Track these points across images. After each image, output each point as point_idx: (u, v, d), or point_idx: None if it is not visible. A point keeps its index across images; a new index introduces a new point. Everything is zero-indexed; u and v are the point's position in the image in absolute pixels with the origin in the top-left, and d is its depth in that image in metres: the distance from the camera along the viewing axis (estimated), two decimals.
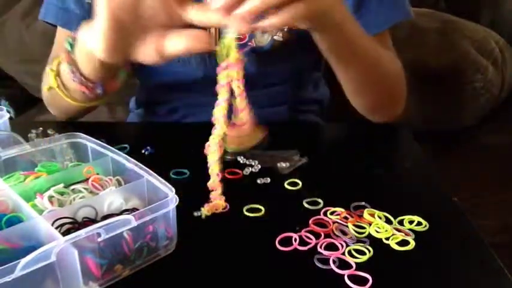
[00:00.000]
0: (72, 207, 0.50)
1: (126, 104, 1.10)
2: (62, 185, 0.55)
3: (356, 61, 0.73)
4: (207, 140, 0.57)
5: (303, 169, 0.68)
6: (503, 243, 1.00)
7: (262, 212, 0.58)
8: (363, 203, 0.59)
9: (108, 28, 0.54)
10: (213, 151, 0.56)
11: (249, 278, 0.49)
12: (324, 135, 0.90)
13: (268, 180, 0.65)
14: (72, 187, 0.55)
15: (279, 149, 0.72)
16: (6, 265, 0.39)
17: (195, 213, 0.57)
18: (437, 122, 1.51)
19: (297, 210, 0.59)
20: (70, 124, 0.85)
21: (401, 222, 0.56)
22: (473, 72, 1.45)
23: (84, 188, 0.55)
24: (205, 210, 0.57)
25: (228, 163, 0.67)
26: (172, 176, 0.66)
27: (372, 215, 0.56)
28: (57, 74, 0.73)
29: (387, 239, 0.53)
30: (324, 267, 0.49)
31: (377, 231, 0.54)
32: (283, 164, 0.68)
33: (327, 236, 0.54)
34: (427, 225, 0.55)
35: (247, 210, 0.58)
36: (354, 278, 0.47)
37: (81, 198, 0.54)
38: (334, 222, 0.56)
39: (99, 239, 0.44)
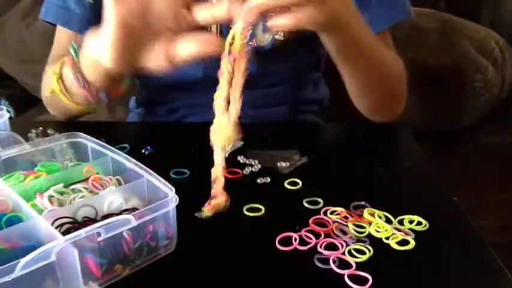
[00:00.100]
0: (72, 207, 0.50)
1: (126, 104, 1.10)
2: (61, 184, 0.55)
3: (362, 61, 0.73)
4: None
5: (303, 169, 0.68)
6: (503, 243, 1.00)
7: (262, 211, 0.58)
8: (363, 203, 0.59)
9: (116, 37, 0.54)
10: (216, 137, 0.56)
11: (249, 278, 0.49)
12: (324, 135, 0.90)
13: (268, 179, 0.65)
14: (72, 187, 0.55)
15: (279, 149, 0.72)
16: (6, 265, 0.39)
17: (196, 214, 0.57)
18: (437, 122, 1.51)
19: (297, 210, 0.59)
20: (70, 124, 0.85)
21: (401, 222, 0.56)
22: (473, 72, 1.45)
23: (84, 188, 0.55)
24: (205, 211, 0.56)
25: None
26: (172, 175, 0.66)
27: (372, 215, 0.56)
28: (60, 77, 0.72)
29: (387, 238, 0.53)
30: (324, 266, 0.49)
31: (377, 231, 0.54)
32: (283, 164, 0.68)
33: (327, 235, 0.54)
34: (427, 225, 0.55)
35: (247, 210, 0.58)
36: (354, 278, 0.47)
37: (81, 197, 0.54)
38: (334, 222, 0.56)
39: (99, 239, 0.44)
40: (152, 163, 0.55)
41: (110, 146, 0.60)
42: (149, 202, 0.53)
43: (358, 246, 0.52)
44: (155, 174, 0.53)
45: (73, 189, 0.55)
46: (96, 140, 0.61)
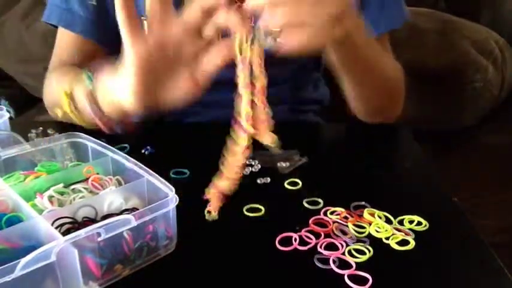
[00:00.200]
0: (72, 207, 0.50)
1: None
2: (61, 184, 0.55)
3: (365, 72, 0.74)
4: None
5: (303, 169, 0.68)
6: (503, 243, 1.00)
7: (262, 211, 0.58)
8: (363, 203, 0.59)
9: (138, 78, 0.54)
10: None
11: (249, 278, 0.49)
12: (324, 135, 0.90)
13: (268, 180, 0.65)
14: (72, 187, 0.55)
15: (279, 149, 0.71)
16: (6, 265, 0.39)
17: (207, 218, 0.57)
18: (437, 122, 1.51)
19: (297, 210, 0.59)
20: (70, 124, 0.85)
21: (401, 222, 0.56)
22: (473, 72, 1.45)
23: (84, 188, 0.55)
24: (212, 214, 0.56)
25: None
26: (172, 176, 0.66)
27: (372, 215, 0.56)
28: (71, 99, 0.69)
29: (387, 238, 0.53)
30: (324, 267, 0.49)
31: (377, 231, 0.54)
32: (283, 164, 0.68)
33: (327, 235, 0.54)
34: (427, 225, 0.55)
35: (247, 210, 0.58)
36: (354, 278, 0.47)
37: (81, 198, 0.54)
38: (334, 222, 0.56)
39: (99, 239, 0.44)
40: (152, 163, 0.55)
41: (109, 146, 0.60)
42: (149, 202, 0.53)
43: (358, 246, 0.52)
44: (155, 174, 0.53)
45: (73, 189, 0.55)
46: (96, 140, 0.61)
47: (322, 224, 0.56)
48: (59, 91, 0.71)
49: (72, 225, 0.48)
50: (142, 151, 0.73)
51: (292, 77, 0.91)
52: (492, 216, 1.12)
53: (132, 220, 0.46)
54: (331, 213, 0.58)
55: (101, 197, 0.52)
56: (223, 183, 0.57)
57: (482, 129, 1.51)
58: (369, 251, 0.51)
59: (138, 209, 0.49)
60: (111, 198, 0.52)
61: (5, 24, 1.64)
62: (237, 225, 0.56)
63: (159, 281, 0.48)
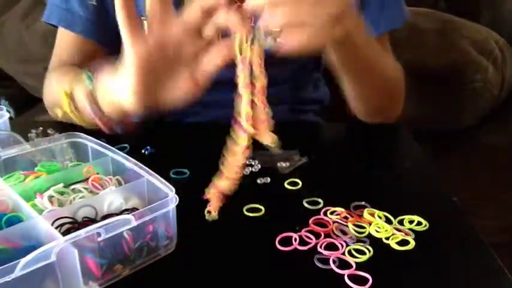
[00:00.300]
0: (72, 207, 0.50)
1: None
2: (61, 184, 0.55)
3: (366, 72, 0.74)
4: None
5: (303, 169, 0.68)
6: (503, 243, 1.00)
7: (262, 211, 0.58)
8: (363, 203, 0.59)
9: (138, 78, 0.54)
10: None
11: (249, 278, 0.49)
12: (324, 135, 0.90)
13: (268, 180, 0.65)
14: (72, 187, 0.55)
15: (279, 149, 0.71)
16: (6, 265, 0.39)
17: (207, 218, 0.57)
18: (437, 122, 1.51)
19: (297, 210, 0.59)
20: (70, 124, 0.85)
21: (401, 222, 0.56)
22: (473, 72, 1.45)
23: (84, 188, 0.55)
24: (212, 214, 0.56)
25: None
26: (172, 176, 0.66)
27: (372, 215, 0.56)
28: (71, 98, 0.69)
29: (387, 238, 0.53)
30: (324, 267, 0.49)
31: (377, 231, 0.54)
32: (283, 164, 0.68)
33: (327, 235, 0.54)
34: (427, 225, 0.55)
35: (247, 210, 0.58)
36: (354, 278, 0.47)
37: (81, 198, 0.54)
38: (334, 222, 0.56)
39: (99, 239, 0.44)
40: (152, 163, 0.55)
41: (109, 146, 0.60)
42: (149, 202, 0.53)
43: (358, 246, 0.52)
44: (155, 174, 0.53)
45: (73, 189, 0.55)
46: (96, 140, 0.61)
47: (322, 224, 0.56)
48: (59, 91, 0.71)
49: (72, 225, 0.48)
50: (142, 151, 0.73)
51: (292, 77, 0.91)
52: (492, 216, 1.12)
53: (132, 220, 0.46)
54: (331, 213, 0.58)
55: (101, 197, 0.52)
56: (223, 183, 0.57)
57: (482, 129, 1.51)
58: (369, 251, 0.51)
59: (138, 209, 0.49)
60: (111, 198, 0.52)
61: (5, 24, 1.64)
62: (237, 225, 0.56)
63: (159, 281, 0.48)
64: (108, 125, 0.67)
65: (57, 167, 0.59)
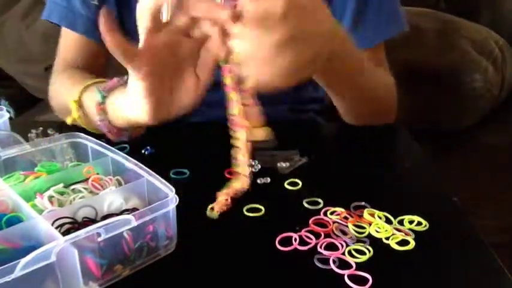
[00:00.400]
0: (72, 207, 0.50)
1: None
2: (61, 185, 0.55)
3: (352, 96, 0.75)
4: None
5: (303, 169, 0.68)
6: (503, 243, 1.00)
7: (262, 212, 0.58)
8: (363, 203, 0.59)
9: (146, 91, 0.54)
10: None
11: (249, 278, 0.49)
12: (324, 135, 0.90)
13: (268, 180, 0.65)
14: (72, 187, 0.55)
15: (279, 149, 0.71)
16: (6, 265, 0.39)
17: (208, 214, 0.57)
18: (437, 122, 1.51)
19: (297, 210, 0.59)
20: (70, 124, 0.85)
21: (401, 222, 0.56)
22: (473, 72, 1.45)
23: (84, 188, 0.55)
24: (215, 211, 0.57)
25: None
26: (172, 176, 0.66)
27: (372, 215, 0.56)
28: (79, 105, 0.70)
29: (387, 238, 0.53)
30: (324, 267, 0.49)
31: (377, 231, 0.54)
32: (283, 164, 0.68)
33: (327, 236, 0.54)
34: (427, 225, 0.55)
35: (247, 210, 0.58)
36: (354, 278, 0.47)
37: (81, 198, 0.54)
38: (334, 222, 0.56)
39: (99, 239, 0.44)
40: (152, 163, 0.55)
41: (109, 146, 0.60)
42: (149, 202, 0.53)
43: (358, 246, 0.52)
44: (155, 174, 0.53)
45: (73, 189, 0.55)
46: (96, 140, 0.61)
47: (322, 224, 0.56)
48: (67, 98, 0.72)
49: (72, 226, 0.48)
50: (142, 151, 0.73)
51: None
52: (492, 216, 1.12)
53: (132, 220, 0.46)
54: (331, 213, 0.58)
55: (101, 197, 0.52)
56: (237, 183, 0.57)
57: (482, 129, 1.51)
58: (369, 251, 0.51)
59: (138, 209, 0.49)
60: (111, 198, 0.52)
61: (5, 24, 1.64)
62: (237, 225, 0.56)
63: (159, 281, 0.48)
64: (117, 135, 0.67)
65: (57, 167, 0.59)
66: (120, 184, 0.57)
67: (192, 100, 0.56)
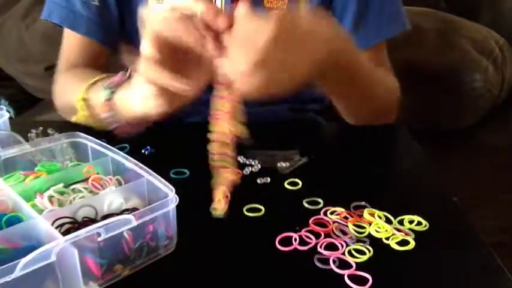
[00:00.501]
0: (72, 207, 0.50)
1: None
2: (61, 184, 0.55)
3: (353, 95, 0.75)
4: (207, 140, 0.57)
5: (303, 169, 0.68)
6: (503, 243, 1.00)
7: (262, 211, 0.58)
8: (363, 203, 0.59)
9: (158, 90, 0.54)
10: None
11: (249, 278, 0.49)
12: (325, 135, 0.90)
13: (268, 180, 0.65)
14: (72, 187, 0.55)
15: (279, 149, 0.72)
16: (6, 265, 0.39)
17: (213, 213, 0.57)
18: (437, 122, 1.51)
19: (297, 210, 0.59)
20: (70, 124, 0.85)
21: (401, 222, 0.56)
22: (473, 72, 1.45)
23: (84, 188, 0.55)
24: (220, 210, 0.57)
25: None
26: (172, 176, 0.66)
27: (372, 215, 0.56)
28: (85, 103, 0.71)
29: (387, 238, 0.53)
30: (324, 267, 0.49)
31: (377, 231, 0.54)
32: (283, 164, 0.68)
33: (327, 235, 0.54)
34: (427, 225, 0.55)
35: (247, 210, 0.58)
36: (354, 278, 0.47)
37: (81, 198, 0.54)
38: (334, 222, 0.56)
39: (99, 239, 0.44)
40: (152, 163, 0.55)
41: (110, 146, 0.60)
42: (149, 202, 0.53)
43: (358, 246, 0.52)
44: (155, 174, 0.53)
45: (73, 189, 0.55)
46: (96, 140, 0.61)
47: (322, 224, 0.56)
48: (72, 97, 0.72)
49: (72, 225, 0.48)
50: (142, 151, 0.73)
51: None
52: (492, 216, 1.12)
53: (132, 220, 0.46)
54: (331, 213, 0.58)
55: (101, 197, 0.52)
56: (227, 176, 0.57)
57: (482, 129, 1.51)
58: (369, 251, 0.51)
59: (138, 209, 0.49)
60: (111, 198, 0.52)
61: (5, 24, 1.64)
62: (237, 225, 0.56)
63: (159, 281, 0.48)
64: (126, 130, 0.68)
65: (57, 167, 0.59)
66: (120, 184, 0.57)
67: (197, 94, 0.56)
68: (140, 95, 0.58)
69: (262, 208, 0.59)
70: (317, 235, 0.54)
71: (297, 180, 0.65)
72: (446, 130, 1.50)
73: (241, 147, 0.70)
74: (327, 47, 0.58)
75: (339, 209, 0.58)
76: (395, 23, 0.85)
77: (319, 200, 0.60)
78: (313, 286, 0.48)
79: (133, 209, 0.51)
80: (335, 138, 0.87)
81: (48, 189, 0.53)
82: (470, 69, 1.45)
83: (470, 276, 0.49)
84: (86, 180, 0.56)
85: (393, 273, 0.50)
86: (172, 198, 0.49)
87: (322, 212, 0.58)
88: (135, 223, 0.46)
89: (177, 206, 0.49)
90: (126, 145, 0.73)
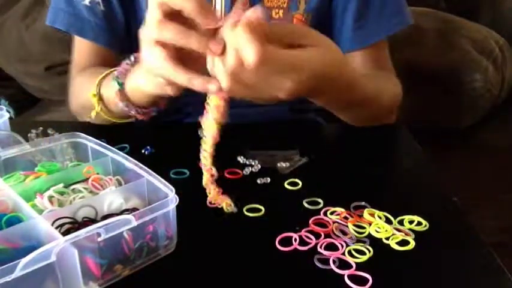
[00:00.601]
0: (72, 207, 0.50)
1: None
2: (61, 184, 0.55)
3: (352, 109, 0.76)
4: None
5: (303, 169, 0.68)
6: (503, 243, 1.00)
7: (262, 212, 0.58)
8: (363, 203, 0.59)
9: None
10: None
11: (249, 278, 0.49)
12: (325, 135, 0.90)
13: (268, 180, 0.65)
14: (72, 187, 0.55)
15: (279, 149, 0.72)
16: (6, 265, 0.39)
17: (226, 210, 0.58)
18: (437, 122, 1.51)
19: (297, 210, 0.59)
20: (70, 124, 0.85)
21: (401, 222, 0.56)
22: (473, 72, 1.45)
23: (84, 188, 0.55)
24: (231, 207, 0.57)
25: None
26: (172, 176, 0.66)
27: (372, 215, 0.56)
28: (100, 99, 0.73)
29: (387, 239, 0.53)
30: (324, 267, 0.49)
31: (377, 231, 0.54)
32: (283, 164, 0.68)
33: (327, 236, 0.54)
34: (427, 225, 0.55)
35: (247, 210, 0.58)
36: (354, 278, 0.47)
37: (81, 198, 0.54)
38: (334, 222, 0.56)
39: (99, 239, 0.44)
40: (152, 163, 0.55)
41: (110, 146, 0.60)
42: (149, 202, 0.53)
43: (358, 246, 0.52)
44: (155, 174, 0.53)
45: (73, 189, 0.55)
46: (96, 140, 0.61)
47: (322, 224, 0.56)
48: (87, 94, 0.74)
49: (72, 225, 0.48)
50: (142, 151, 0.73)
51: None
52: (492, 216, 1.12)
53: (132, 220, 0.46)
54: (331, 213, 0.58)
55: (101, 197, 0.52)
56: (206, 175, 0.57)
57: (482, 129, 1.51)
58: (369, 251, 0.51)
59: (138, 209, 0.49)
60: (111, 198, 0.52)
61: (5, 24, 1.64)
62: (237, 225, 0.56)
63: (159, 281, 0.48)
64: (146, 114, 0.72)
65: (57, 167, 0.59)
66: (120, 184, 0.57)
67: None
68: (148, 78, 0.60)
69: (262, 208, 0.59)
70: (317, 235, 0.54)
71: (297, 180, 0.65)
72: (446, 130, 1.50)
73: (241, 148, 0.71)
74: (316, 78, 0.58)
75: (339, 209, 0.58)
76: (396, 21, 0.84)
77: (319, 200, 0.60)
78: (313, 286, 0.48)
79: (133, 209, 0.51)
80: (335, 138, 0.87)
81: (48, 189, 0.53)
82: (470, 69, 1.45)
83: (470, 276, 0.49)
84: (86, 180, 0.56)
85: (393, 273, 0.50)
86: (172, 198, 0.49)
87: (322, 212, 0.58)
88: (135, 223, 0.46)
89: (177, 206, 0.49)
90: (126, 145, 0.73)
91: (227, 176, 0.66)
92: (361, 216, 0.57)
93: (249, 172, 0.67)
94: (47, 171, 0.58)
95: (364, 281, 0.47)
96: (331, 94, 0.66)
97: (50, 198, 0.52)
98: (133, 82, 0.66)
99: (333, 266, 0.49)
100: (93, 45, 0.87)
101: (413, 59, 1.43)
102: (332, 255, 0.51)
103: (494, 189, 1.23)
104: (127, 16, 0.86)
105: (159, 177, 0.52)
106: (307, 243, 0.53)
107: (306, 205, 0.60)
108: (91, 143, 0.61)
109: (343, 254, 0.51)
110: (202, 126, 0.55)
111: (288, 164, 0.68)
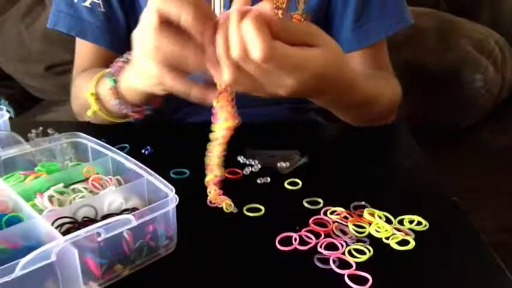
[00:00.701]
0: (72, 207, 0.50)
1: None
2: (61, 184, 0.55)
3: (351, 110, 0.76)
4: (207, 140, 0.57)
5: (303, 169, 0.68)
6: (503, 243, 1.00)
7: (262, 211, 0.58)
8: (363, 203, 0.59)
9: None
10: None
11: (249, 278, 0.49)
12: (325, 135, 0.90)
13: (268, 180, 0.65)
14: (72, 187, 0.55)
15: (279, 149, 0.72)
16: (6, 265, 0.39)
17: (226, 209, 0.58)
18: (437, 122, 1.51)
19: (297, 210, 0.59)
20: (70, 124, 0.85)
21: (401, 222, 0.56)
22: (473, 72, 1.45)
23: (84, 188, 0.55)
24: (231, 207, 0.58)
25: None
26: (172, 175, 0.66)
27: (372, 215, 0.56)
28: (97, 98, 0.74)
29: (387, 238, 0.53)
30: (324, 267, 0.49)
31: (377, 231, 0.54)
32: (283, 164, 0.68)
33: (327, 235, 0.54)
34: (427, 225, 0.55)
35: (247, 210, 0.58)
36: (354, 278, 0.47)
37: (81, 197, 0.54)
38: (334, 222, 0.56)
39: (99, 239, 0.44)
40: (152, 163, 0.55)
41: (110, 146, 0.60)
42: (149, 202, 0.53)
43: (358, 246, 0.52)
44: (155, 174, 0.53)
45: (73, 189, 0.55)
46: (96, 140, 0.61)
47: (322, 224, 0.56)
48: (85, 95, 0.75)
49: (72, 225, 0.48)
50: (142, 151, 0.73)
51: None
52: (492, 216, 1.12)
53: (132, 220, 0.46)
54: (331, 213, 0.58)
55: (101, 197, 0.52)
56: (210, 176, 0.57)
57: (482, 129, 1.51)
58: (369, 251, 0.51)
59: (138, 209, 0.49)
60: (111, 198, 0.52)
61: (5, 24, 1.64)
62: (237, 225, 0.56)
63: (159, 281, 0.48)
64: (141, 112, 0.72)
65: (57, 167, 0.59)
66: (120, 184, 0.57)
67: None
68: (141, 76, 0.60)
69: (262, 208, 0.59)
70: (317, 235, 0.54)
71: (297, 180, 0.65)
72: (446, 130, 1.50)
73: (241, 147, 0.71)
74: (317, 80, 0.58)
75: (339, 209, 0.58)
76: (396, 20, 0.84)
77: (319, 200, 0.60)
78: (313, 286, 0.48)
79: (133, 209, 0.51)
80: (335, 138, 0.87)
81: (48, 189, 0.53)
82: (470, 69, 1.45)
83: (470, 276, 0.49)
84: (86, 180, 0.56)
85: (393, 273, 0.50)
86: (172, 198, 0.49)
87: (322, 212, 0.58)
88: (135, 223, 0.46)
89: (177, 206, 0.49)
90: (126, 145, 0.73)
91: (227, 175, 0.65)
92: (361, 216, 0.57)
93: (249, 172, 0.67)
94: (47, 171, 0.58)
95: (364, 280, 0.47)
96: (331, 94, 0.66)
97: (50, 198, 0.52)
98: (126, 80, 0.67)
99: (333, 266, 0.49)
100: (94, 47, 0.87)
101: (413, 59, 1.43)
102: (332, 255, 0.51)
103: (494, 189, 1.23)
104: (128, 17, 0.86)
105: (159, 177, 0.52)
106: (307, 243, 0.53)
107: (306, 205, 0.60)
108: (91, 143, 0.61)
109: (343, 253, 0.51)
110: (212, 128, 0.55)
111: (288, 164, 0.68)
